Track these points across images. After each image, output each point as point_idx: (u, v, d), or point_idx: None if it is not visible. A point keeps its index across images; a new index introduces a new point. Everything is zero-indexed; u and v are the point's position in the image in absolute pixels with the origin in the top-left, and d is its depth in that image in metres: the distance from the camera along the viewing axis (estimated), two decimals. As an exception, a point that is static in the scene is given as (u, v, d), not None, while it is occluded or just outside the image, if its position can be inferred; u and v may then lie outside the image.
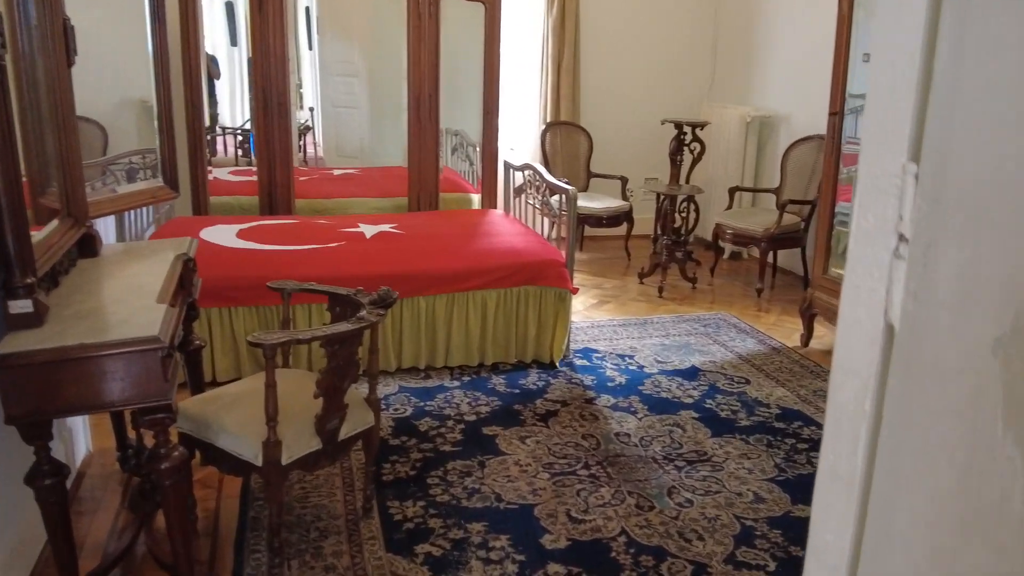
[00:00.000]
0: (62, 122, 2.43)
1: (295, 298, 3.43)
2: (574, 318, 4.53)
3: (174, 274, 2.42)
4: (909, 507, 0.68)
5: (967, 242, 0.61)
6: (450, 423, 3.43)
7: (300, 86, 6.17)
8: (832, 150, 4.23)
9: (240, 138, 6.17)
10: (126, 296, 2.20)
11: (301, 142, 6.20)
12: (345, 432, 2.50)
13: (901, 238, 0.68)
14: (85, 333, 1.91)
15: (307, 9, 6.14)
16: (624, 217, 6.10)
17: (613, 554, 2.56)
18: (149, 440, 2.53)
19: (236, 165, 5.98)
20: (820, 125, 4.63)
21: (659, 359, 4.24)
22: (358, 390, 2.69)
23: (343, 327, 2.36)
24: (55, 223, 2.39)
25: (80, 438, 3.02)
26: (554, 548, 2.58)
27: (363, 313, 2.45)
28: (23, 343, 1.86)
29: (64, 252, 2.35)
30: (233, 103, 6.27)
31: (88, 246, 2.59)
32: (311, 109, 6.41)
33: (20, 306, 1.93)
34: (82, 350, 1.85)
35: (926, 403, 0.66)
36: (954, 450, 0.62)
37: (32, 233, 2.05)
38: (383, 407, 3.52)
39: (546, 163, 6.28)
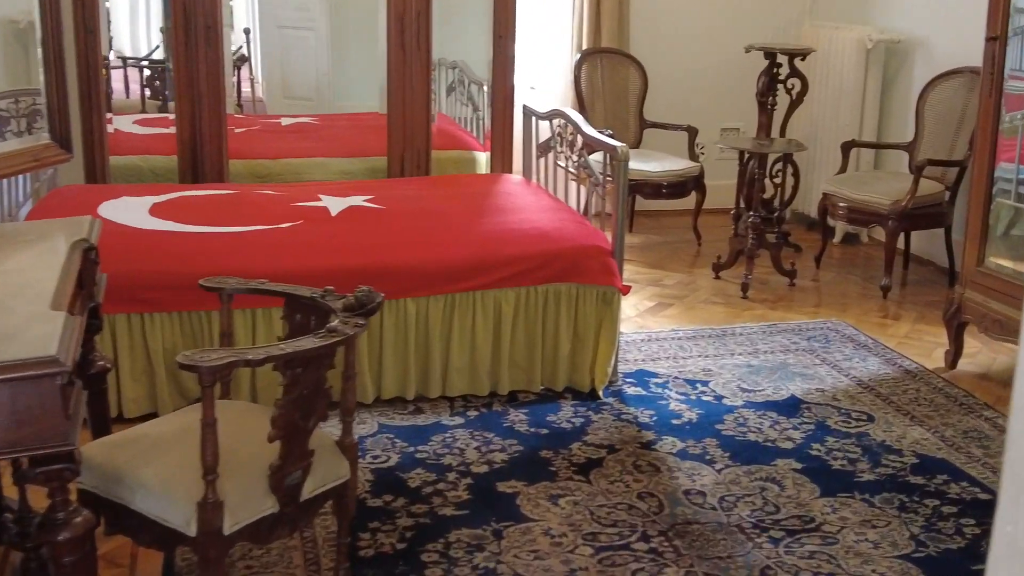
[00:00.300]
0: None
1: (234, 301, 3.48)
2: (623, 328, 4.55)
3: (71, 269, 2.46)
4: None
5: None
6: (452, 476, 3.47)
7: (230, -1, 6.21)
8: (991, 90, 4.24)
9: (148, 72, 6.22)
10: (8, 300, 2.25)
11: (234, 78, 6.25)
12: (310, 489, 2.54)
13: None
14: (-44, 352, 1.95)
15: None
16: (693, 185, 6.13)
17: (685, 661, 2.60)
18: (37, 500, 2.58)
19: (144, 111, 6.03)
20: (972, 54, 4.64)
21: (744, 386, 4.27)
22: (326, 430, 2.73)
23: (308, 343, 2.39)
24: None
25: (-63, 497, 3.08)
26: (602, 652, 2.62)
27: (335, 323, 2.48)
28: None
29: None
30: (135, 22, 6.31)
31: (-49, 229, 2.65)
32: (246, 31, 6.45)
33: None
34: (-47, 376, 1.89)
35: None
36: None
37: None
38: (359, 454, 3.56)
39: (582, 108, 6.31)
